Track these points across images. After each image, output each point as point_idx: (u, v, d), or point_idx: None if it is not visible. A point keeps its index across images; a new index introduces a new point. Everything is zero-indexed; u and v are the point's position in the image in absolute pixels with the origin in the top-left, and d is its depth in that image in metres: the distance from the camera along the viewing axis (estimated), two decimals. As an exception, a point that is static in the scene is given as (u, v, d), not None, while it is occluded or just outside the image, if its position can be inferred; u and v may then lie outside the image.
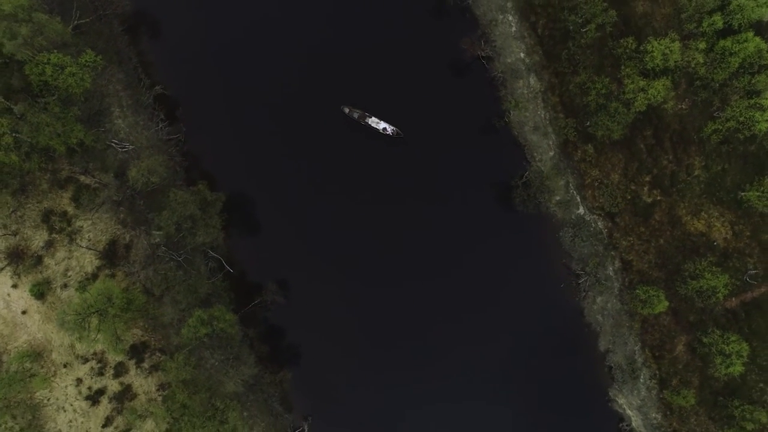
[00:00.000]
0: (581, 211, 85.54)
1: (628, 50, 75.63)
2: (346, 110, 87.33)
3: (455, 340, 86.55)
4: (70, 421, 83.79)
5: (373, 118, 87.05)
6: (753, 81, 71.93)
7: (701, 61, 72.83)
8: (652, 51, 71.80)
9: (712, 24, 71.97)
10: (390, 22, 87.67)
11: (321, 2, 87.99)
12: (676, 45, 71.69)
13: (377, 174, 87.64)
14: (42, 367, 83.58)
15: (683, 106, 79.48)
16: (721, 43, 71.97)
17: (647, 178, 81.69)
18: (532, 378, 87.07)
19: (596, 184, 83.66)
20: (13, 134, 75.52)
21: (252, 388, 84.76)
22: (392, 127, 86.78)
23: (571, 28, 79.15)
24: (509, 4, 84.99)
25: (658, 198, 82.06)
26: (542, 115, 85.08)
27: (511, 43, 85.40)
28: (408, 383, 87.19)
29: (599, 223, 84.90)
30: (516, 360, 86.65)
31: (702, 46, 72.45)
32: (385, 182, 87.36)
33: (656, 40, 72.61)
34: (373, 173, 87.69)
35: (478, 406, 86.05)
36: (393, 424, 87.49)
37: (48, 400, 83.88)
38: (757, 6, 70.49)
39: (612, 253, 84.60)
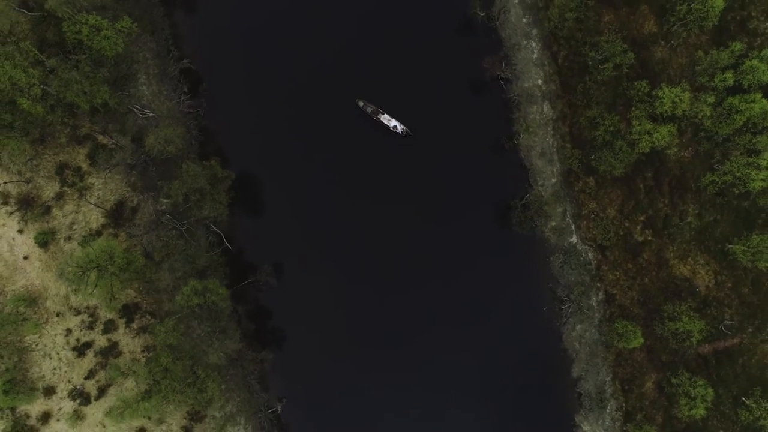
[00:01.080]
0: (574, 239, 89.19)
1: (640, 93, 79.36)
2: (361, 104, 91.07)
3: (434, 346, 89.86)
4: (55, 369, 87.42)
5: (386, 115, 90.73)
6: (754, 140, 75.69)
7: (708, 114, 76.61)
8: (663, 97, 75.54)
9: (724, 80, 75.72)
10: (418, 29, 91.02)
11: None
12: (687, 95, 75.41)
13: (382, 172, 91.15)
14: (35, 313, 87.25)
15: (686, 154, 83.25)
16: (730, 100, 75.71)
17: (641, 218, 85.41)
18: (503, 393, 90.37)
19: (592, 216, 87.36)
20: (42, 86, 79.20)
21: (233, 362, 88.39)
22: (402, 126, 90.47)
23: (590, 63, 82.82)
24: (534, 32, 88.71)
25: (649, 238, 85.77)
26: (550, 143, 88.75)
27: (530, 68, 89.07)
28: (383, 383, 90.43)
29: (589, 254, 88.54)
30: (490, 373, 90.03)
31: (711, 99, 76.21)
32: (389, 181, 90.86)
33: (668, 87, 76.32)
34: (379, 170, 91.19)
35: (448, 410, 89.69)
36: (362, 417, 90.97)
37: (36, 345, 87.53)
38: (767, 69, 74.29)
39: (597, 284, 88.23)
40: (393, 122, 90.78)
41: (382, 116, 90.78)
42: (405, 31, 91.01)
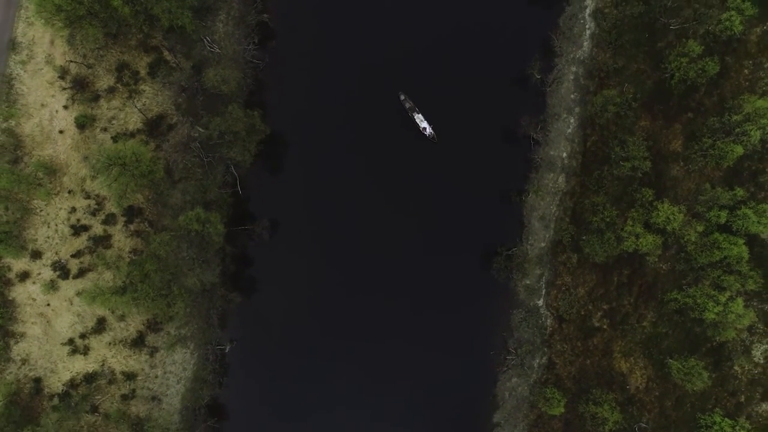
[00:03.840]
0: (540, 303, 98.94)
1: (644, 199, 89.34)
2: (402, 97, 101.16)
3: (386, 346, 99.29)
4: (48, 238, 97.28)
5: (420, 115, 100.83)
6: (723, 277, 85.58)
7: (693, 240, 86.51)
8: (660, 211, 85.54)
9: (718, 217, 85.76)
10: (481, 64, 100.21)
11: (434, 13, 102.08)
12: (681, 216, 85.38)
13: (398, 170, 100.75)
14: (50, 182, 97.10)
15: (663, 267, 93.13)
16: (716, 235, 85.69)
17: (605, 306, 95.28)
18: (423, 417, 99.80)
19: (563, 288, 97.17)
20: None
21: (204, 293, 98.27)
22: (431, 131, 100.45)
23: (613, 156, 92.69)
24: (576, 110, 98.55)
25: (605, 327, 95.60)
26: (552, 211, 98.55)
27: (561, 140, 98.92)
28: (322, 368, 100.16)
29: (548, 321, 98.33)
30: (417, 394, 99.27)
31: (700, 228, 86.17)
32: (400, 181, 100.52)
33: (669, 204, 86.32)
34: (395, 168, 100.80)
35: (373, 402, 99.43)
36: (298, 382, 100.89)
37: (40, 211, 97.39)
38: (759, 222, 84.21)
39: (545, 349, 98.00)
40: (424, 123, 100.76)
41: (417, 115, 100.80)
42: (469, 60, 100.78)
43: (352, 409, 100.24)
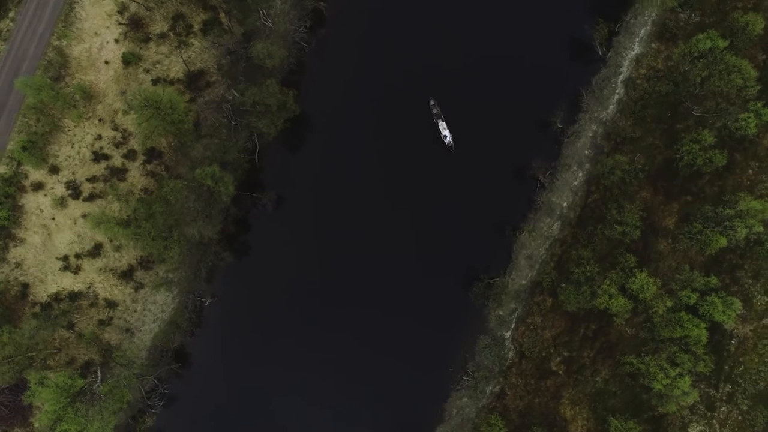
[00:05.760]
0: (507, 335, 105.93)
1: (626, 264, 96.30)
2: (432, 102, 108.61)
3: (348, 344, 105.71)
4: (69, 157, 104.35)
5: (444, 123, 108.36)
6: (677, 355, 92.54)
7: (660, 313, 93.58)
8: (636, 279, 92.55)
9: (688, 297, 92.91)
10: (511, 101, 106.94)
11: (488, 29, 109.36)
12: (654, 288, 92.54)
13: (411, 170, 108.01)
14: (84, 107, 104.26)
15: (628, 330, 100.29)
16: (682, 314, 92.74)
17: (565, 353, 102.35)
18: (371, 413, 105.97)
19: (532, 327, 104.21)
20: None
21: (199, 245, 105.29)
22: (450, 140, 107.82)
23: (608, 218, 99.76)
24: (587, 166, 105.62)
25: (560, 372, 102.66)
26: (540, 253, 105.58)
27: (565, 190, 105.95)
28: (288, 346, 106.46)
29: (510, 353, 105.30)
30: (370, 391, 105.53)
31: (669, 304, 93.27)
32: (409, 182, 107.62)
33: (646, 275, 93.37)
34: (410, 168, 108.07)
35: (322, 391, 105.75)
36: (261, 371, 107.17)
37: (68, 130, 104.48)
38: (724, 312, 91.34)
39: (500, 379, 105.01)
40: (446, 132, 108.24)
41: (441, 122, 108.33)
42: (502, 90, 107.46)
43: (305, 391, 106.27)
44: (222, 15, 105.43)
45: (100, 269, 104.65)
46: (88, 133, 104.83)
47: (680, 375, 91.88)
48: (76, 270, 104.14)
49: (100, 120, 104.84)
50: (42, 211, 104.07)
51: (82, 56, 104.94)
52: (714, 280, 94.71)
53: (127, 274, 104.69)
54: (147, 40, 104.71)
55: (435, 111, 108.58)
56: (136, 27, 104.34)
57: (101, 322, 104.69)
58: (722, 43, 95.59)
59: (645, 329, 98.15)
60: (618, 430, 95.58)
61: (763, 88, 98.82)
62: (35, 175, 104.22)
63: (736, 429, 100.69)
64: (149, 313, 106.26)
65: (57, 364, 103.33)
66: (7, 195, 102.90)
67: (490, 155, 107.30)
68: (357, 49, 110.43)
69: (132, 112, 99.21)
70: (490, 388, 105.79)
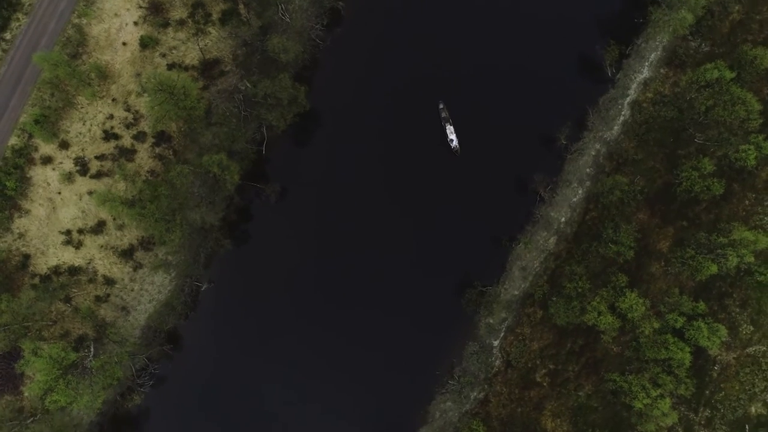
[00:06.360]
0: (496, 344, 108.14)
1: (617, 283, 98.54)
2: (441, 105, 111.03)
3: (337, 340, 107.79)
4: (80, 134, 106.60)
5: (451, 127, 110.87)
6: (660, 376, 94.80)
7: (647, 333, 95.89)
8: (626, 299, 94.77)
9: (675, 321, 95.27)
10: (515, 108, 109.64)
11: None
12: (642, 309, 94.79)
13: (415, 171, 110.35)
14: (99, 86, 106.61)
15: (614, 348, 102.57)
16: (668, 336, 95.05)
17: (551, 366, 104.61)
18: (354, 410, 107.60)
19: (520, 337, 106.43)
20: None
21: (201, 230, 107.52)
22: (456, 144, 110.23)
23: (603, 236, 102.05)
24: (587, 183, 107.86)
25: (544, 384, 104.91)
26: (535, 266, 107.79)
27: (564, 206, 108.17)
28: (279, 336, 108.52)
29: (497, 362, 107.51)
30: (357, 387, 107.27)
31: (656, 325, 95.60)
32: (412, 183, 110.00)
33: (635, 295, 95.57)
34: (414, 169, 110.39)
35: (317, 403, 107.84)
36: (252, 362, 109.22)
37: (81, 107, 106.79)
38: (709, 338, 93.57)
39: (485, 386, 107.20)
40: (453, 136, 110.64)
41: (449, 126, 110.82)
42: (510, 101, 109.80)
43: (292, 382, 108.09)
44: (241, 6, 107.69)
45: (102, 246, 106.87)
46: (100, 112, 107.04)
47: (661, 396, 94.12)
48: (78, 245, 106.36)
49: (113, 100, 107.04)
50: (49, 184, 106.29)
51: (100, 36, 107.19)
52: (702, 305, 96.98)
53: (127, 253, 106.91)
54: (165, 25, 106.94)
55: (443, 114, 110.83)
56: (155, 11, 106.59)
57: (98, 298, 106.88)
58: (729, 75, 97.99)
59: (631, 348, 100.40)
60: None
61: (766, 122, 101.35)
62: (45, 148, 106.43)
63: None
64: (146, 293, 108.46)
65: (51, 336, 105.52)
66: (16, 166, 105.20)
67: (493, 164, 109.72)
68: (371, 49, 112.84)
69: (145, 94, 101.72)
70: (475, 394, 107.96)
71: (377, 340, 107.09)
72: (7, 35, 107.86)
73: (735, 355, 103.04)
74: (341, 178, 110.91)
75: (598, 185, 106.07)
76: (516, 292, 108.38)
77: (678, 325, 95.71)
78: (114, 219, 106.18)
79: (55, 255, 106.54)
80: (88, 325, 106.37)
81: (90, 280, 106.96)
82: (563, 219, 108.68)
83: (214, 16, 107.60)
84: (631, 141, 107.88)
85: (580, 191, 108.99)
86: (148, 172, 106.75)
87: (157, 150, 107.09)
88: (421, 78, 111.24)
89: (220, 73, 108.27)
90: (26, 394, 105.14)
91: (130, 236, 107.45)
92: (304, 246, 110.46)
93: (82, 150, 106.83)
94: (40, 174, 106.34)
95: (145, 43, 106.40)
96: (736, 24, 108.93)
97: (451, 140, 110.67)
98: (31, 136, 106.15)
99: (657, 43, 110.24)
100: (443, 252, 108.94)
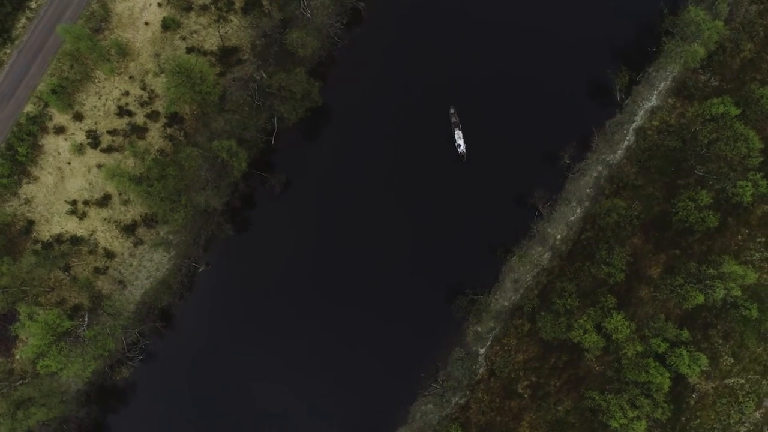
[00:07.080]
0: (481, 352, 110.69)
1: (605, 304, 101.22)
2: (452, 110, 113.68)
3: (326, 336, 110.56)
4: (94, 107, 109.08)
5: (460, 132, 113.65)
6: (638, 398, 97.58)
7: (629, 355, 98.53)
8: (613, 319, 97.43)
9: (658, 345, 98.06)
10: (523, 122, 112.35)
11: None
12: (627, 331, 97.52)
13: (421, 174, 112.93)
14: (118, 62, 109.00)
15: (597, 367, 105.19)
16: (650, 360, 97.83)
17: (533, 378, 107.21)
18: (337, 406, 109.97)
19: (506, 348, 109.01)
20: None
21: (204, 213, 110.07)
22: (464, 150, 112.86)
23: (597, 256, 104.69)
24: (586, 203, 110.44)
25: (525, 396, 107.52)
26: (527, 279, 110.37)
27: (561, 223, 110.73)
28: (271, 325, 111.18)
29: (481, 369, 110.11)
30: (341, 385, 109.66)
31: (639, 348, 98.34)
32: (415, 185, 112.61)
33: (622, 318, 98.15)
34: (419, 172, 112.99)
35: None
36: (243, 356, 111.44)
37: (98, 82, 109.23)
38: (689, 366, 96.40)
39: (467, 392, 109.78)
40: (461, 141, 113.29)
41: (457, 131, 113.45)
42: (520, 116, 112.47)
43: (277, 372, 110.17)
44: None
45: (105, 219, 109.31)
46: (116, 88, 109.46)
47: (638, 418, 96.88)
48: (82, 216, 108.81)
49: (130, 77, 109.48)
50: (59, 154, 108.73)
51: (124, 13, 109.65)
52: (686, 333, 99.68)
53: (129, 229, 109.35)
54: (189, 9, 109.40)
55: (454, 119, 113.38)
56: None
57: (97, 270, 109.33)
58: (734, 111, 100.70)
59: (612, 368, 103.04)
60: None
61: (766, 160, 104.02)
62: (59, 118, 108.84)
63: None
64: (144, 269, 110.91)
65: (48, 302, 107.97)
66: (30, 133, 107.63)
67: (496, 174, 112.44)
68: (388, 51, 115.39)
69: (162, 75, 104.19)
70: (456, 399, 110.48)
71: (366, 337, 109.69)
72: (33, 4, 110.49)
73: (714, 385, 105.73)
74: (346, 175, 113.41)
75: (596, 206, 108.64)
76: (506, 303, 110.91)
77: (661, 350, 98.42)
78: (120, 194, 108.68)
79: (59, 223, 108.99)
80: (84, 295, 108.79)
81: (90, 252, 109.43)
82: (559, 236, 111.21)
83: (237, 5, 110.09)
84: (633, 166, 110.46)
85: (578, 210, 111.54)
86: (157, 151, 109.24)
87: (169, 130, 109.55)
88: (434, 83, 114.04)
89: (237, 61, 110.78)
90: (18, 356, 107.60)
91: (133, 212, 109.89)
92: (302, 238, 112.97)
93: (95, 123, 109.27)
94: (51, 143, 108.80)
95: (167, 25, 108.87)
96: (746, 62, 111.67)
97: (459, 145, 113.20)
98: (46, 105, 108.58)
99: (667, 73, 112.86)
100: (438, 257, 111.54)
